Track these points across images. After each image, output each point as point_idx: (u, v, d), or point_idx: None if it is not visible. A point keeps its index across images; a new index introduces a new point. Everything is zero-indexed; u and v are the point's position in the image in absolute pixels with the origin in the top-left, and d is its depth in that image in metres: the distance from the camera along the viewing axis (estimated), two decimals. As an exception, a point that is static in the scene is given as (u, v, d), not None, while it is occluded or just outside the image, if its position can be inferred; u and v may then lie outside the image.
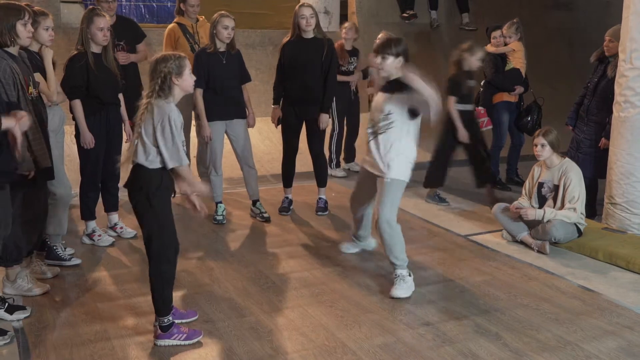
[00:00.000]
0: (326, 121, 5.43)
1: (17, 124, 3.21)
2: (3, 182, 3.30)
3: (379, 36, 6.84)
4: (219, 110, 5.23)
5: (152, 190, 3.20)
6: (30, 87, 3.69)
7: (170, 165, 3.20)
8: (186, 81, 3.27)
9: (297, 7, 5.37)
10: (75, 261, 4.41)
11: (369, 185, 4.22)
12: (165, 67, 3.20)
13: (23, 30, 3.63)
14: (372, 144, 4.08)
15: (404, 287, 3.95)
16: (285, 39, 5.46)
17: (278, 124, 5.60)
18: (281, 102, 5.54)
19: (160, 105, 3.19)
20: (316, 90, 5.35)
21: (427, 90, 3.73)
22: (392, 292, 3.93)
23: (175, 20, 6.10)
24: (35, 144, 3.62)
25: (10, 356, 3.21)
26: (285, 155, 5.66)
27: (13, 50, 3.66)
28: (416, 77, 3.78)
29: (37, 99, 3.80)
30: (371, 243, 4.71)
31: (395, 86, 3.97)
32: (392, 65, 3.98)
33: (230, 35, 5.11)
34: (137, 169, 3.22)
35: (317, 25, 5.33)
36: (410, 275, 4.01)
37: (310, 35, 5.32)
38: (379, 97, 4.10)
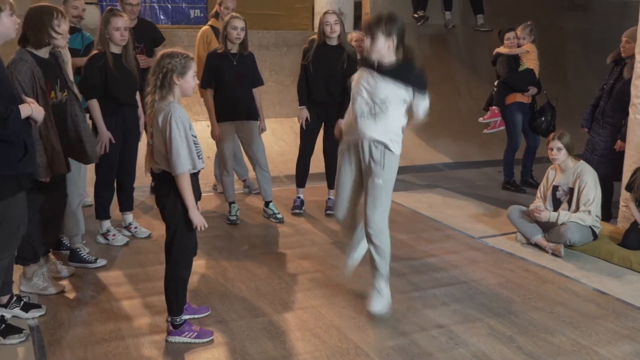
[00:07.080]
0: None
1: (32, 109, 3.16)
2: (26, 184, 3.31)
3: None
4: (227, 111, 5.23)
5: (179, 196, 3.12)
6: (52, 92, 3.68)
7: (172, 173, 3.09)
8: (188, 83, 3.12)
9: (322, 14, 5.41)
10: (101, 262, 4.38)
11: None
12: (170, 63, 3.07)
13: (58, 30, 3.65)
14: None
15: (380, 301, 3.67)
16: (310, 42, 5.44)
17: (306, 124, 5.56)
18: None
19: (162, 108, 3.09)
20: (338, 96, 5.33)
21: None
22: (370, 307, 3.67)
23: (209, 23, 6.19)
24: (51, 148, 3.61)
25: (26, 354, 3.24)
26: (301, 155, 5.67)
27: (43, 52, 3.67)
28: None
29: (60, 104, 3.78)
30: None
31: (390, 71, 3.50)
32: (383, 47, 3.46)
33: (240, 36, 5.12)
34: (164, 174, 3.17)
35: (342, 32, 5.35)
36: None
37: (334, 42, 5.33)
38: (371, 81, 3.52)
